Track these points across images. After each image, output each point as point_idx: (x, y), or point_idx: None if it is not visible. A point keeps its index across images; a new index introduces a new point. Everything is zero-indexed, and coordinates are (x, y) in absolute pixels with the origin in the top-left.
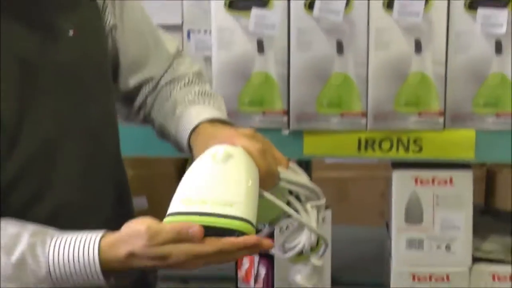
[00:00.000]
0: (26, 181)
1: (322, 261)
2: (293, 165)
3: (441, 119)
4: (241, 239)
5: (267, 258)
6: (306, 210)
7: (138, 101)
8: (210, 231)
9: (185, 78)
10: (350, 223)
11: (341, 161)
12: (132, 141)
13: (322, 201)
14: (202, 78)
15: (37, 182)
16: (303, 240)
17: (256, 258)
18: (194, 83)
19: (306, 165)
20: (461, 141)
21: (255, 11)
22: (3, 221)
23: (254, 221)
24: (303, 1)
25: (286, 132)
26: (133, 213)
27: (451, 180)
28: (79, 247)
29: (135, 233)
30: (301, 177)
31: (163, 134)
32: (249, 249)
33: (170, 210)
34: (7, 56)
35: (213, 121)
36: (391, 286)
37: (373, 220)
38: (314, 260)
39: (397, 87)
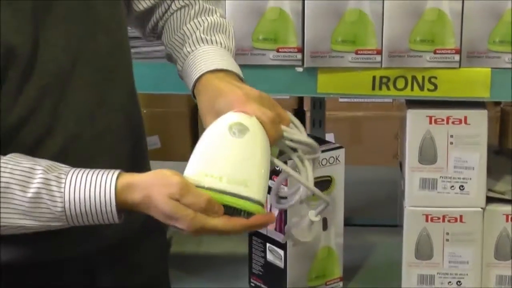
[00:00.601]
0: (38, 115)
1: (320, 218)
2: (292, 118)
3: (457, 57)
4: (252, 221)
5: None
6: (304, 165)
7: (150, 24)
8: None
9: (197, 3)
10: (363, 163)
11: (355, 100)
12: (144, 78)
13: (318, 154)
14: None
15: (49, 115)
16: (300, 193)
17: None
18: (207, 11)
19: (320, 103)
20: (476, 80)
21: None
22: (16, 156)
23: (264, 200)
24: None
25: (300, 69)
26: (146, 151)
27: (465, 119)
28: (95, 186)
29: (163, 180)
30: (301, 133)
31: (171, 61)
32: (256, 228)
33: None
34: None
35: (219, 71)
36: (404, 226)
37: (386, 160)
38: (312, 217)
39: (412, 23)
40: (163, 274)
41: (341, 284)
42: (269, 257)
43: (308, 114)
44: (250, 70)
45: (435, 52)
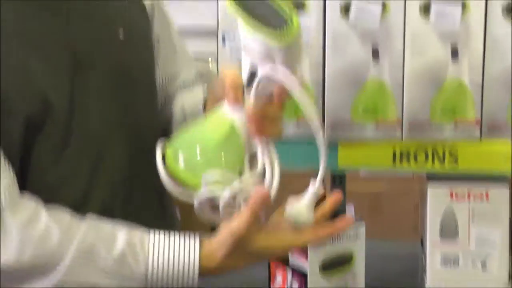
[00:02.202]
0: (75, 182)
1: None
2: None
3: (477, 129)
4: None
5: (300, 274)
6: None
7: None
8: None
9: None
10: (383, 237)
11: (375, 174)
12: None
13: None
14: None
15: (85, 184)
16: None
17: (289, 274)
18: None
19: (340, 178)
20: (498, 153)
21: None
22: (94, 217)
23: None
24: (338, 5)
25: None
26: (177, 221)
27: (487, 195)
28: (179, 251)
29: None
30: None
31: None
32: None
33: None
34: (60, 48)
35: None
36: None
37: (407, 234)
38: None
39: (432, 94)
40: None
41: None
42: None
43: (327, 189)
44: None
45: (455, 124)
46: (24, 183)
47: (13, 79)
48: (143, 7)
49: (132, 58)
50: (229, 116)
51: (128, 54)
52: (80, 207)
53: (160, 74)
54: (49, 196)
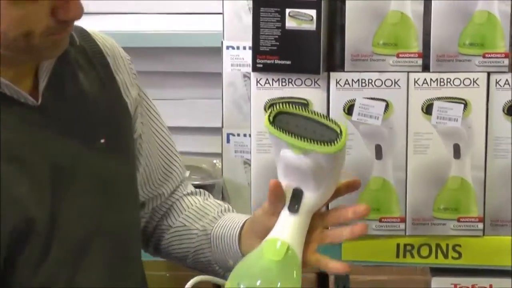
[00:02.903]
0: None
1: None
2: None
3: (480, 225)
4: None
5: None
6: None
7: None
8: None
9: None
10: None
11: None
12: None
13: None
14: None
15: None
16: None
17: None
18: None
19: None
20: (501, 248)
21: None
22: None
23: None
24: (342, 105)
25: None
26: None
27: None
28: None
29: None
30: None
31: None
32: None
33: None
34: (40, 161)
35: None
36: None
37: None
38: None
39: (436, 192)
40: None
41: None
42: None
43: (331, 278)
44: None
45: (458, 220)
46: None
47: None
48: (125, 106)
49: (113, 165)
50: (282, 238)
51: (109, 161)
52: None
53: (144, 175)
54: None
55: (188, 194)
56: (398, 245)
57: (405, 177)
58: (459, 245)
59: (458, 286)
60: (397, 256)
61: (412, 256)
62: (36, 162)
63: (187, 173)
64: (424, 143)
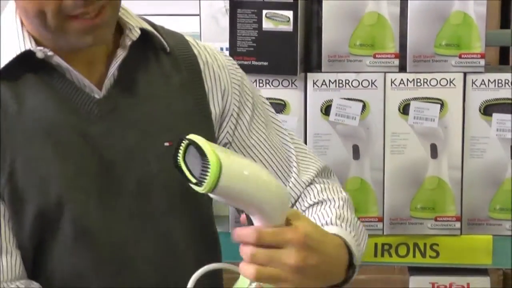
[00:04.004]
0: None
1: None
2: None
3: (457, 224)
4: None
5: None
6: None
7: None
8: None
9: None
10: None
11: None
12: None
13: None
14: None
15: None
16: None
17: None
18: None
19: None
20: (478, 247)
21: None
22: None
23: None
24: (319, 105)
25: None
26: None
27: (468, 286)
28: None
29: None
30: None
31: None
32: None
33: None
34: (89, 152)
35: None
36: None
37: None
38: None
39: (413, 191)
40: None
41: None
42: None
43: None
44: None
45: (436, 220)
46: (39, 272)
47: (31, 173)
48: (207, 114)
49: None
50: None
51: (168, 164)
52: None
53: None
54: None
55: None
56: (376, 244)
57: (383, 177)
58: (437, 244)
59: (436, 285)
60: (375, 255)
61: (390, 256)
62: (84, 152)
63: None
64: (401, 143)
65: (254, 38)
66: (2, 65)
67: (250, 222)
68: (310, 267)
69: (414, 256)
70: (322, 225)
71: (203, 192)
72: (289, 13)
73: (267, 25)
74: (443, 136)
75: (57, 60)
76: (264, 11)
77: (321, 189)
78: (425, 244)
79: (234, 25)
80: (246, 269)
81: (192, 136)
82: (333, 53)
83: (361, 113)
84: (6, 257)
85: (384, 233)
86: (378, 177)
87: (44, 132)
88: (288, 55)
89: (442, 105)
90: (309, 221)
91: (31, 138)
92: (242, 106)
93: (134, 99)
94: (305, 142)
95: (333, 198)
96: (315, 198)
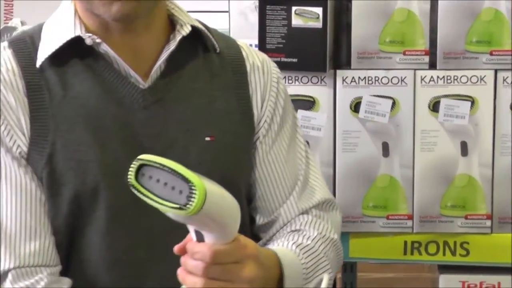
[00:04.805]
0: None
1: None
2: None
3: (488, 223)
4: None
5: None
6: None
7: None
8: None
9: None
10: None
11: (385, 261)
12: None
13: None
14: None
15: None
16: None
17: None
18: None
19: (351, 266)
20: (509, 245)
21: (301, 113)
22: None
23: None
24: (349, 102)
25: None
26: None
27: (499, 285)
28: None
29: None
30: None
31: None
32: None
33: None
34: (128, 139)
35: None
36: None
37: None
38: None
39: (443, 189)
40: None
41: None
42: None
43: (338, 276)
44: None
45: (466, 218)
46: (72, 259)
47: (70, 157)
48: (249, 116)
49: (213, 159)
50: None
51: (208, 156)
52: None
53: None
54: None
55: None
56: (405, 242)
57: (412, 174)
58: (467, 243)
59: (466, 284)
60: (405, 253)
61: (420, 253)
62: (124, 140)
63: None
64: (431, 141)
65: (283, 34)
66: (53, 50)
67: (199, 238)
68: (259, 279)
69: (444, 254)
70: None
71: (185, 215)
72: (319, 10)
73: (296, 21)
74: (473, 134)
75: (105, 48)
76: (294, 8)
77: (309, 221)
78: (455, 242)
79: (263, 22)
80: (194, 282)
81: (150, 157)
82: (363, 50)
83: (390, 110)
84: (40, 241)
85: (414, 231)
86: (408, 174)
87: (86, 118)
88: (318, 52)
89: (473, 102)
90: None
91: (73, 123)
92: (273, 119)
93: (178, 92)
94: (334, 140)
95: (312, 231)
96: (297, 226)
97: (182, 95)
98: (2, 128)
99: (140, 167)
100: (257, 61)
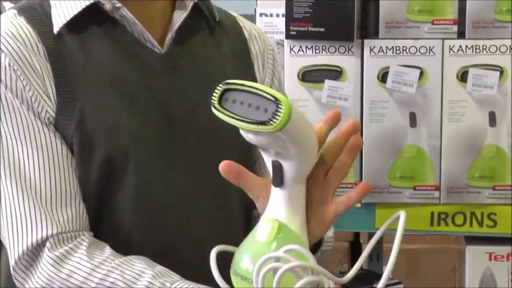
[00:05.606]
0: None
1: None
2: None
3: None
4: None
5: None
6: None
7: None
8: None
9: None
10: None
11: (412, 232)
12: None
13: None
14: None
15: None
16: None
17: None
18: None
19: None
20: None
21: (328, 83)
22: (133, 258)
23: None
24: (376, 72)
25: (358, 204)
26: None
27: None
28: None
29: None
30: None
31: None
32: None
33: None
34: (153, 105)
35: None
36: None
37: None
38: None
39: (471, 160)
40: None
41: None
42: None
43: (364, 246)
44: None
45: (494, 188)
46: (102, 225)
47: (101, 121)
48: (255, 81)
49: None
50: (273, 217)
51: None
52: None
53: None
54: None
55: None
56: (432, 213)
57: (440, 145)
58: (495, 214)
59: (493, 255)
60: (431, 224)
61: (447, 225)
62: (149, 104)
63: None
64: (459, 111)
65: (310, 4)
66: (72, 16)
67: (277, 173)
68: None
69: (471, 225)
70: None
71: (272, 130)
72: None
73: None
74: (502, 104)
75: (124, 12)
76: None
77: None
78: (482, 213)
79: None
80: None
81: (233, 81)
82: (391, 20)
83: (418, 80)
84: (75, 205)
85: (441, 202)
86: (435, 145)
87: (111, 83)
88: (345, 21)
89: (502, 72)
90: None
91: (99, 88)
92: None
93: (192, 59)
94: (361, 110)
95: None
96: None
97: (195, 61)
98: (30, 93)
99: (223, 92)
100: (253, 31)
